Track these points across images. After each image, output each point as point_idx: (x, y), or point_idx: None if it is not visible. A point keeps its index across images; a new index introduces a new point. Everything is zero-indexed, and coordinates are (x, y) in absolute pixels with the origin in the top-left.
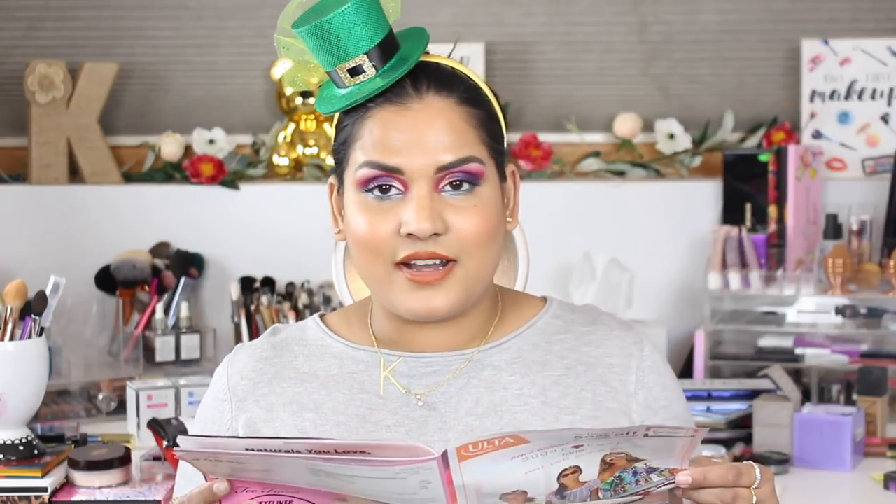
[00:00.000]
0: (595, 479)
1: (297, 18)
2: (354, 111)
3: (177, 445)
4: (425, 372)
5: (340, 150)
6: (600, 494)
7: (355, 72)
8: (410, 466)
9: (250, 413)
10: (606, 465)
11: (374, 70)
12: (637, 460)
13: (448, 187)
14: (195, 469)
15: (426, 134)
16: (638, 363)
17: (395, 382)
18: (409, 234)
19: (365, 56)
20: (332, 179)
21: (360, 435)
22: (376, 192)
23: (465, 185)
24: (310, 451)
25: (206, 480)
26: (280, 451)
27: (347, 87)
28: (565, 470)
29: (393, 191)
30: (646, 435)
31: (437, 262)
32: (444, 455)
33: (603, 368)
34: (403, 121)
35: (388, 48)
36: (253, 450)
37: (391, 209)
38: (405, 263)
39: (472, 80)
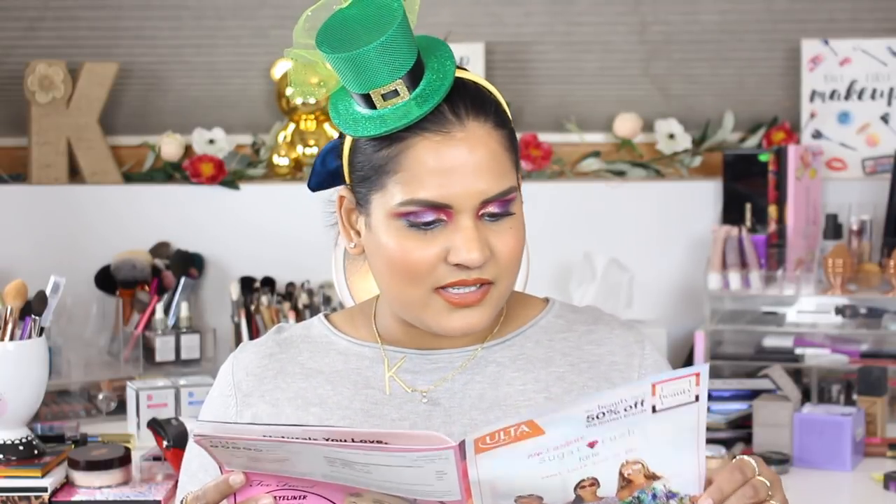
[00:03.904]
0: (613, 496)
1: (317, 34)
2: (388, 137)
3: (176, 446)
4: (430, 368)
5: (370, 175)
6: None
7: (389, 95)
8: (427, 454)
9: (256, 408)
10: (625, 482)
11: (407, 93)
12: (655, 477)
13: (487, 216)
14: (200, 465)
15: (471, 167)
16: (640, 361)
17: (398, 381)
18: (458, 264)
19: (400, 80)
20: (344, 192)
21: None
22: (418, 223)
23: (504, 213)
24: (327, 439)
25: (222, 472)
26: (297, 437)
27: (378, 109)
28: (582, 481)
29: (437, 222)
30: (654, 409)
31: (477, 285)
32: (462, 445)
33: (605, 366)
34: (449, 152)
35: (418, 69)
36: (270, 436)
37: (435, 237)
38: (443, 287)
39: (493, 95)
